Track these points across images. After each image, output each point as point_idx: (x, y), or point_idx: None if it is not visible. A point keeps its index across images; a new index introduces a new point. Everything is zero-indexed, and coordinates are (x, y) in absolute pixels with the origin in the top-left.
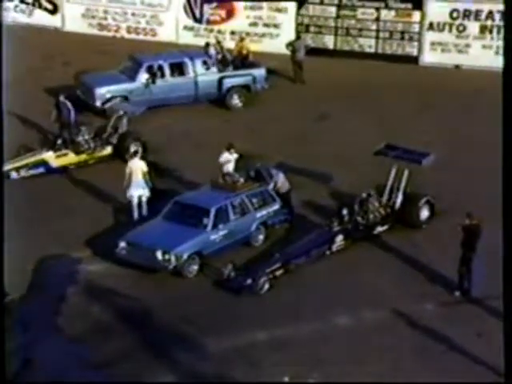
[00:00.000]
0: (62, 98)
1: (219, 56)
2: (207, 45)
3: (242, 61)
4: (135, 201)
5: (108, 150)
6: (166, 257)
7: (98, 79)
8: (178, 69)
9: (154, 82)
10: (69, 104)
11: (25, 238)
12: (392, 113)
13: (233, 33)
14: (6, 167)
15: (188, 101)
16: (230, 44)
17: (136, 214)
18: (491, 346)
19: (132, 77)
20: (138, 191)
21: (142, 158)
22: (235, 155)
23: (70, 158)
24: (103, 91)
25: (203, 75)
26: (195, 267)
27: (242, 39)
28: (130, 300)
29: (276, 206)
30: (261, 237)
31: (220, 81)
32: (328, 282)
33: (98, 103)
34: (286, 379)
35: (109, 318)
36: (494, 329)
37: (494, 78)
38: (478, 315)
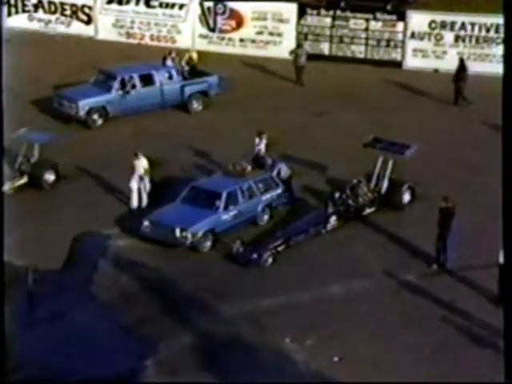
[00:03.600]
0: None
1: (178, 67)
2: (164, 58)
3: (191, 70)
4: (134, 192)
5: (24, 179)
6: (184, 234)
7: (78, 93)
8: (147, 79)
9: (128, 92)
10: None
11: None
12: (379, 110)
13: (242, 40)
14: None
15: (156, 108)
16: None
17: (135, 203)
18: (463, 310)
19: (108, 89)
20: (137, 184)
21: (56, 184)
22: (265, 141)
23: None
24: (85, 103)
25: (167, 84)
26: (209, 243)
27: (189, 50)
28: (153, 271)
29: (279, 191)
30: (266, 217)
31: (182, 88)
32: (323, 256)
33: (82, 114)
34: (287, 340)
35: (134, 287)
36: (465, 295)
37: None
38: (451, 284)
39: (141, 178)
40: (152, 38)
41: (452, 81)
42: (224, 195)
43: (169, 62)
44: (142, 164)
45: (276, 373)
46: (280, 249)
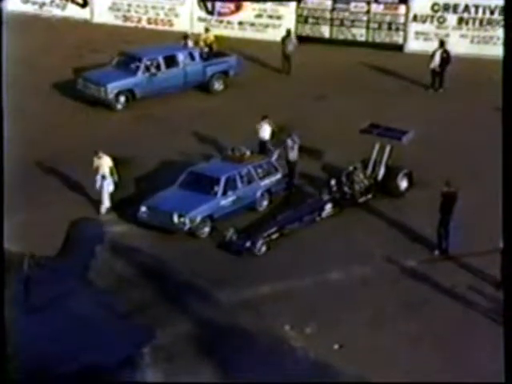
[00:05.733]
0: None
1: (197, 47)
2: (185, 37)
3: (209, 51)
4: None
5: None
6: (182, 220)
7: (105, 76)
8: (171, 61)
9: (155, 74)
10: None
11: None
12: (380, 94)
13: (240, 23)
14: None
15: (179, 89)
16: None
17: (107, 203)
18: (465, 297)
19: (133, 71)
20: (104, 183)
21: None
22: (268, 126)
23: None
24: (114, 86)
25: (190, 65)
26: (207, 229)
27: (207, 30)
28: (150, 257)
29: (278, 176)
30: (265, 202)
31: (204, 69)
32: (323, 243)
33: (111, 97)
34: (287, 327)
35: (131, 273)
36: (467, 281)
37: (470, 63)
38: (453, 270)
39: (103, 177)
40: (149, 21)
41: (438, 66)
42: (222, 180)
43: (190, 43)
44: (105, 163)
45: (275, 360)
46: (274, 237)
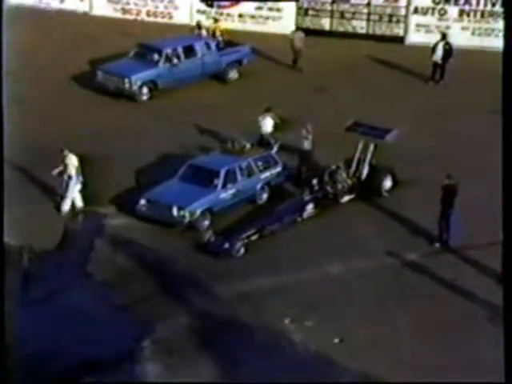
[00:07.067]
0: None
1: (211, 37)
2: (199, 27)
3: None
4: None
5: None
6: (181, 213)
7: (127, 68)
8: (189, 51)
9: (176, 65)
10: None
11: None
12: (380, 87)
13: (240, 16)
14: None
15: (197, 79)
16: None
17: (66, 207)
18: (465, 289)
19: (154, 62)
20: (70, 184)
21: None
22: (270, 119)
23: None
24: (138, 78)
25: (207, 55)
26: (206, 222)
27: (215, 21)
28: (149, 250)
29: (278, 169)
30: (265, 195)
31: (219, 58)
32: (322, 237)
33: (135, 88)
34: (287, 321)
35: (131, 266)
36: (467, 274)
37: (471, 56)
38: (454, 263)
39: (69, 177)
40: (148, 13)
41: (441, 58)
42: (222, 173)
43: (204, 33)
44: (70, 162)
45: (275, 354)
46: (253, 238)
